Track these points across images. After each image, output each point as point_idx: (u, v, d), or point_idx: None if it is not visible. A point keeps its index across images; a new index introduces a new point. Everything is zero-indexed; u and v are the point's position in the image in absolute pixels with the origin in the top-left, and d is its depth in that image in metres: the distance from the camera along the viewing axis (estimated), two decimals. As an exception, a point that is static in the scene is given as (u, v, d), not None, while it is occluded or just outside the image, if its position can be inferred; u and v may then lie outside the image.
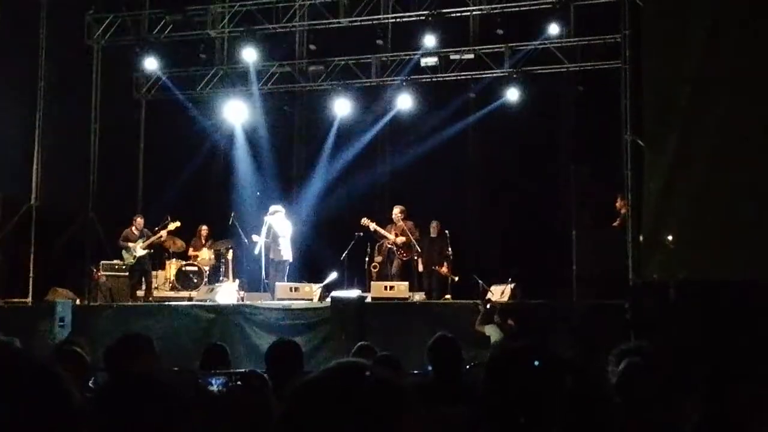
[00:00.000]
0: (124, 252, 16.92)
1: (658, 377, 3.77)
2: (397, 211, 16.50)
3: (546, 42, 17.64)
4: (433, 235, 16.62)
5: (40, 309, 15.39)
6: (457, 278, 15.92)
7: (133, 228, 17.05)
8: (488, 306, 12.92)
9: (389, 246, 16.34)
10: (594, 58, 17.34)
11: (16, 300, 16.80)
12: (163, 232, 17.07)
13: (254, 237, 16.60)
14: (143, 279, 17.05)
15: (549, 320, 12.87)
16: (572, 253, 14.27)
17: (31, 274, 17.33)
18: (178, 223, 17.14)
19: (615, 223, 14.73)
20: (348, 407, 1.66)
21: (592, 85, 17.48)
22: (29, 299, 16.98)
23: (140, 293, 16.95)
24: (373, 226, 16.24)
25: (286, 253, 16.39)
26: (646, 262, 12.34)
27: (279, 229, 16.34)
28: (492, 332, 12.47)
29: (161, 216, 17.30)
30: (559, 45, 17.64)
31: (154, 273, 17.29)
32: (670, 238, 12.21)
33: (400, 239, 16.22)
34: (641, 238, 12.48)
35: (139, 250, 16.84)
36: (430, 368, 5.82)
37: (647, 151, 12.58)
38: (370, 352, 6.58)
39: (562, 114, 18.76)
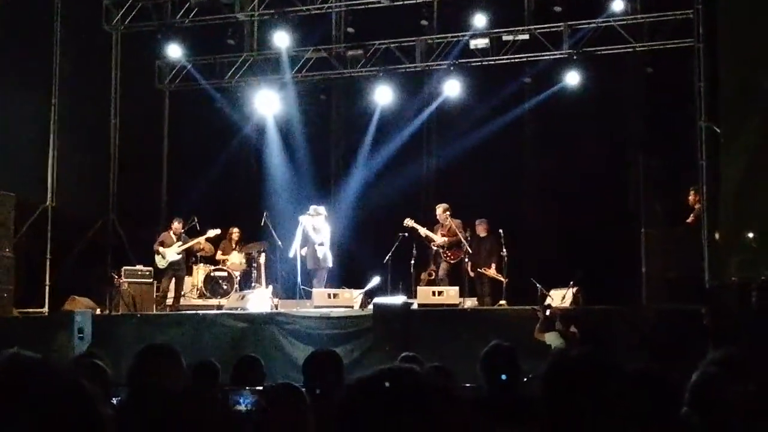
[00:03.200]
0: (157, 256, 17.09)
1: (740, 390, 3.69)
2: (440, 210, 16.45)
3: (610, 19, 17.49)
4: (482, 235, 16.57)
5: (57, 320, 15.54)
6: (506, 280, 15.84)
7: (171, 232, 17.21)
8: (548, 312, 12.83)
9: (435, 248, 16.31)
10: (664, 37, 17.16)
11: (31, 310, 17.00)
12: (202, 239, 17.25)
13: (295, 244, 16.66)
14: (174, 285, 17.20)
15: (617, 327, 12.75)
16: (641, 253, 14.13)
17: (47, 282, 17.55)
18: (217, 231, 17.29)
19: (688, 220, 14.56)
20: (401, 418, 1.66)
21: (662, 67, 17.30)
22: (45, 309, 17.18)
23: (169, 302, 17.10)
24: (422, 230, 16.20)
25: (325, 259, 16.45)
26: (724, 263, 12.19)
27: (318, 232, 16.39)
28: (553, 340, 12.37)
29: (188, 218, 17.41)
30: (625, 23, 17.48)
31: (179, 279, 17.45)
32: (751, 235, 12.06)
33: (448, 240, 16.17)
34: (718, 236, 12.33)
35: (173, 254, 16.99)
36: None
37: (724, 139, 12.43)
38: (416, 365, 6.56)
39: (629, 99, 18.57)
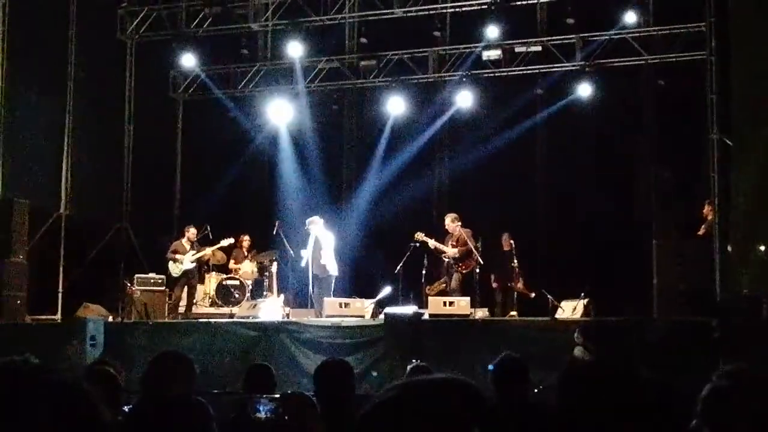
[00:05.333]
0: (170, 264, 17.11)
1: (750, 404, 3.67)
2: (449, 220, 16.33)
3: (622, 32, 17.50)
4: (505, 248, 16.53)
5: (69, 327, 15.56)
6: (533, 295, 15.82)
7: (184, 240, 17.24)
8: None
9: (446, 259, 16.27)
10: (676, 50, 17.16)
11: (44, 317, 17.03)
12: (214, 248, 17.29)
13: (303, 252, 16.62)
14: (186, 293, 17.23)
15: (628, 339, 12.72)
16: (652, 265, 14.10)
17: (60, 289, 17.59)
18: (231, 240, 17.32)
19: (700, 232, 14.53)
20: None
21: (674, 79, 17.29)
22: (58, 316, 17.23)
23: (181, 310, 17.12)
24: (431, 242, 16.15)
25: (331, 267, 16.40)
26: (735, 275, 12.16)
27: (321, 241, 16.36)
28: (579, 355, 12.32)
29: (201, 226, 17.45)
30: (637, 35, 17.48)
31: (191, 287, 17.48)
32: (762, 248, 12.03)
33: (458, 251, 16.12)
34: (730, 248, 12.30)
35: (188, 262, 17.03)
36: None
37: (736, 151, 12.41)
38: (426, 374, 6.55)
39: (641, 111, 18.58)
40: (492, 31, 17.86)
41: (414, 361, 12.11)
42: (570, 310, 14.66)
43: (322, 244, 16.30)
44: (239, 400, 5.62)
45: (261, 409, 4.83)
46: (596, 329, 12.99)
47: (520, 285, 16.12)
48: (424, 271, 16.16)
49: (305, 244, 16.45)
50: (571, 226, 18.11)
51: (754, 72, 12.39)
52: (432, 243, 16.12)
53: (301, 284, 17.11)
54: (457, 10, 18.22)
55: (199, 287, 17.58)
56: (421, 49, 18.92)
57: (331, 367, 5.74)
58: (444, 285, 16.33)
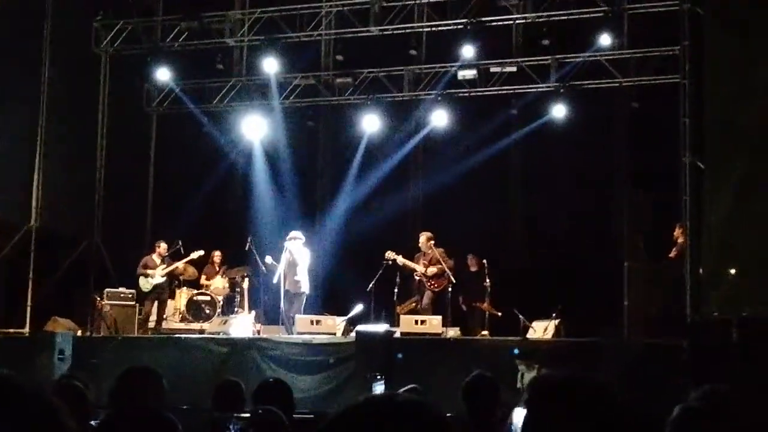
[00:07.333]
0: (141, 279, 17.01)
1: (720, 427, 3.68)
2: (423, 239, 16.35)
3: (597, 54, 17.62)
4: (472, 269, 16.60)
5: (38, 340, 15.46)
6: (500, 314, 15.87)
7: (155, 255, 17.14)
8: None
9: (418, 278, 16.27)
10: (650, 72, 17.30)
11: (12, 330, 16.90)
12: (185, 262, 17.18)
13: (267, 258, 16.57)
14: (157, 309, 17.14)
15: (598, 360, 12.75)
16: (624, 286, 14.16)
17: (29, 302, 17.44)
18: (201, 252, 17.22)
19: (671, 254, 14.62)
20: None
21: (648, 102, 17.42)
22: (27, 329, 17.07)
23: (151, 325, 17.02)
24: (400, 259, 16.13)
25: (304, 284, 16.36)
26: (706, 298, 12.22)
27: (297, 257, 16.31)
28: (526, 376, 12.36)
29: (172, 241, 17.36)
30: (611, 57, 17.61)
31: (162, 303, 17.38)
32: (733, 271, 12.10)
33: (431, 270, 16.11)
34: (701, 271, 12.37)
35: (158, 277, 16.94)
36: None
37: (709, 175, 12.49)
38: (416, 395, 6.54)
39: (615, 133, 18.71)
40: (468, 51, 17.92)
41: (379, 377, 12.12)
42: (541, 330, 14.70)
43: (297, 260, 16.26)
44: (209, 419, 5.59)
45: (232, 427, 4.82)
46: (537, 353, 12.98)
47: (485, 304, 16.13)
48: (396, 289, 16.15)
49: (278, 260, 16.40)
50: (544, 246, 18.17)
51: (727, 96, 12.49)
52: (401, 260, 16.10)
53: (272, 300, 17.06)
54: (434, 29, 18.29)
55: (170, 302, 17.48)
56: (396, 68, 18.98)
57: (269, 388, 5.80)
58: (415, 304, 16.33)
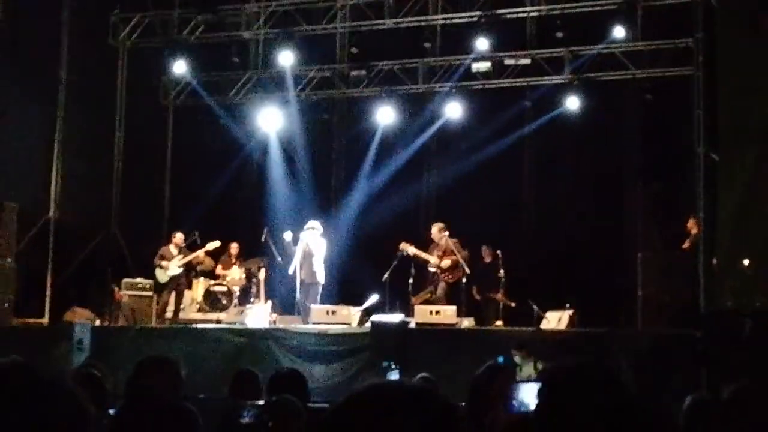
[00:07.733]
0: (157, 270, 17.07)
1: (733, 420, 3.67)
2: (435, 230, 16.34)
3: (610, 46, 17.56)
4: (487, 260, 16.61)
5: (56, 330, 15.55)
6: (513, 304, 15.89)
7: (171, 246, 17.20)
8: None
9: (432, 269, 16.28)
10: (663, 64, 17.23)
11: (31, 320, 16.99)
12: (201, 252, 17.22)
13: (287, 234, 16.53)
14: (174, 299, 17.20)
15: (611, 350, 12.75)
16: (637, 277, 14.15)
17: (47, 293, 17.55)
18: (217, 243, 17.25)
19: (685, 246, 14.59)
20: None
21: (662, 94, 17.35)
22: (45, 319, 17.18)
23: (168, 315, 17.10)
24: (412, 250, 16.14)
25: (320, 275, 16.40)
26: (719, 289, 12.21)
27: (313, 247, 16.35)
28: (525, 370, 12.33)
29: (189, 232, 17.42)
30: (625, 49, 17.55)
31: (179, 293, 17.44)
32: (746, 262, 12.08)
33: (445, 261, 16.11)
34: (714, 262, 12.35)
35: (175, 268, 17.00)
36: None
37: (722, 166, 12.47)
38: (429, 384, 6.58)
39: (628, 125, 18.65)
40: (482, 44, 17.90)
41: (393, 366, 12.13)
42: (555, 320, 14.70)
43: (313, 251, 16.29)
44: (225, 406, 5.62)
45: (246, 414, 4.84)
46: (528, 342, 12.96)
47: (500, 295, 16.15)
48: (411, 280, 16.17)
49: (296, 240, 16.38)
50: (558, 237, 18.15)
51: (740, 87, 12.45)
52: (413, 251, 16.11)
53: (288, 291, 17.10)
54: (448, 21, 18.27)
55: (187, 293, 17.54)
56: (411, 60, 18.96)
57: (284, 377, 5.83)
58: (429, 294, 16.34)
